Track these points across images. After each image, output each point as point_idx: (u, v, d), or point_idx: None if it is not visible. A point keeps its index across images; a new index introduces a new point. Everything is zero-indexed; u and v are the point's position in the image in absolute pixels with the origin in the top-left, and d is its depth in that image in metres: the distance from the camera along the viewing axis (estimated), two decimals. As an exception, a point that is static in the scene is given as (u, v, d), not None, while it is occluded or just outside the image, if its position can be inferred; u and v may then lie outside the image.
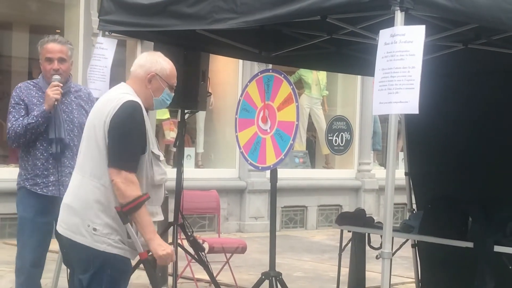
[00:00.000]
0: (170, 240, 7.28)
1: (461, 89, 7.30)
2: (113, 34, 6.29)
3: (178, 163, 7.43)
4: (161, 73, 4.38)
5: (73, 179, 4.37)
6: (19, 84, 5.66)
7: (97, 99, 5.01)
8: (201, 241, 7.55)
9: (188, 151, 11.98)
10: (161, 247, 4.16)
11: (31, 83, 5.64)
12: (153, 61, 4.39)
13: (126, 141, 4.17)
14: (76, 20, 11.09)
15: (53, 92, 5.40)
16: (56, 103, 5.40)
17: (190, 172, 10.95)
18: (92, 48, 6.68)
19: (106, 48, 6.25)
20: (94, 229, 4.17)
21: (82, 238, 4.19)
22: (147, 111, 4.35)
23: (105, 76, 6.20)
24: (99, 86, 6.04)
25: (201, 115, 12.34)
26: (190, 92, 7.07)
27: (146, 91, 4.37)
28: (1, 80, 12.89)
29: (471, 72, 7.18)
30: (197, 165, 12.66)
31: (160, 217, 4.39)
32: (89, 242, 4.18)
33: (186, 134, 9.07)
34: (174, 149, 8.52)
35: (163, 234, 6.89)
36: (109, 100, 4.30)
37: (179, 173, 7.27)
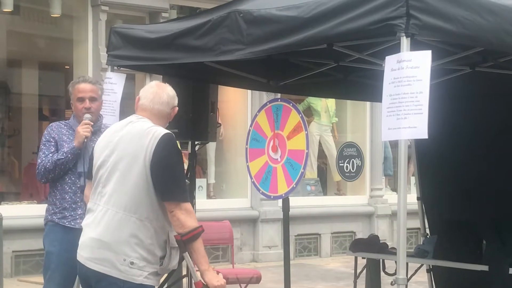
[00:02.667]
0: (184, 272, 7.27)
1: (470, 112, 7.31)
2: (121, 68, 6.34)
3: (190, 194, 7.43)
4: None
5: (101, 213, 4.38)
6: (51, 124, 5.85)
7: None
8: (215, 272, 7.53)
9: (200, 182, 11.99)
10: (215, 278, 4.37)
11: (63, 123, 5.82)
12: (174, 95, 4.59)
13: (178, 173, 4.37)
14: (84, 55, 11.16)
15: (83, 130, 5.55)
16: (85, 140, 5.53)
17: (202, 203, 10.97)
18: (101, 83, 6.71)
19: (115, 83, 6.30)
20: (132, 263, 4.27)
21: (118, 273, 4.27)
22: None
23: (115, 110, 6.26)
24: (109, 121, 6.07)
25: (211, 146, 12.35)
26: (200, 124, 7.10)
27: (166, 123, 4.58)
28: (11, 117, 12.96)
29: (480, 95, 7.19)
30: (209, 196, 12.65)
31: None
32: (125, 276, 4.26)
33: (197, 165, 9.09)
34: (186, 181, 8.54)
35: (177, 267, 6.88)
36: (141, 133, 4.38)
37: (191, 205, 7.27)
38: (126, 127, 4.49)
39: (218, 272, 7.70)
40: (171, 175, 4.32)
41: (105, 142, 4.52)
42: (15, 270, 10.32)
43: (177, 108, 4.61)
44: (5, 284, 9.09)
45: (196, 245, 4.33)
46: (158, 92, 4.56)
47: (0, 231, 8.94)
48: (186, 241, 4.31)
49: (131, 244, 4.28)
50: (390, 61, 4.37)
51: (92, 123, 5.61)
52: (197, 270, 4.47)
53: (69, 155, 5.55)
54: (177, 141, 4.56)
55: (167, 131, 4.42)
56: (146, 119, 4.48)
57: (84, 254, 4.40)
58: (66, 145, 5.61)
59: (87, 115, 5.63)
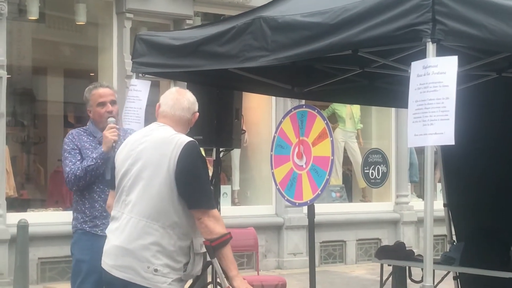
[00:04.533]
0: (209, 279, 7.25)
1: (496, 118, 7.25)
2: (146, 75, 6.34)
3: (214, 201, 7.41)
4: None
5: (125, 221, 4.40)
6: (71, 131, 5.80)
7: None
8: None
9: (224, 188, 11.98)
10: (244, 285, 4.38)
11: (82, 129, 5.78)
12: (193, 101, 4.59)
13: (203, 181, 4.38)
14: (109, 63, 11.21)
15: (111, 134, 5.52)
16: (114, 144, 5.48)
17: (227, 210, 10.96)
18: (126, 90, 6.72)
19: (140, 90, 6.31)
20: (156, 270, 4.29)
21: (142, 280, 4.29)
22: None
23: (140, 117, 6.26)
24: (135, 128, 6.07)
25: (236, 153, 12.36)
26: (224, 130, 7.10)
27: (187, 129, 4.56)
28: (37, 124, 13.03)
29: (506, 100, 7.13)
30: (233, 203, 12.65)
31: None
32: (149, 283, 4.29)
33: (221, 172, 9.07)
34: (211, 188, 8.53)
35: (202, 273, 6.87)
36: (164, 141, 4.37)
37: (216, 212, 7.26)
38: (148, 135, 4.49)
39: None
40: (197, 183, 4.33)
41: (127, 151, 4.52)
42: (41, 277, 10.36)
43: (197, 113, 4.61)
44: (31, 291, 9.14)
45: (225, 251, 4.35)
46: (179, 98, 4.55)
47: (26, 238, 8.99)
48: (215, 247, 4.32)
49: (154, 251, 4.30)
50: (416, 67, 4.34)
51: (118, 127, 5.60)
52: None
53: (99, 161, 5.51)
54: (201, 148, 4.54)
55: (190, 138, 4.41)
56: (167, 127, 4.48)
57: (109, 262, 4.42)
58: (90, 153, 5.56)
59: (111, 119, 5.61)
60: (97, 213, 5.56)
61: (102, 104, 5.67)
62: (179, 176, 4.30)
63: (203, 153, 11.88)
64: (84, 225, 5.59)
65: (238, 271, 4.41)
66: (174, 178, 4.30)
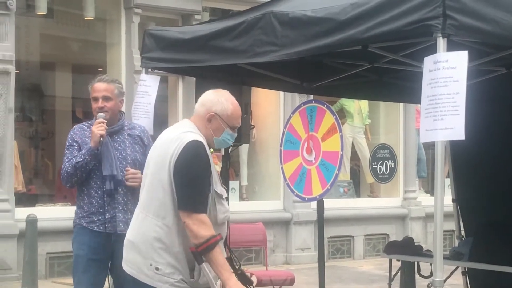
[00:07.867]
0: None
1: (505, 113, 7.24)
2: (155, 71, 6.34)
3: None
4: (221, 114, 4.37)
5: (136, 215, 4.41)
6: (74, 127, 5.79)
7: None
8: (249, 274, 7.51)
9: (233, 184, 11.99)
10: (237, 287, 4.20)
11: (86, 124, 5.75)
12: (214, 100, 4.38)
13: (194, 184, 4.18)
14: (118, 58, 11.22)
15: (97, 129, 5.47)
16: (101, 139, 5.46)
17: (235, 205, 10.95)
18: (135, 86, 6.74)
19: (149, 85, 6.30)
20: (157, 269, 4.21)
21: (145, 277, 4.24)
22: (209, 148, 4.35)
23: (149, 113, 6.26)
24: (144, 123, 6.08)
25: (244, 148, 12.35)
26: (233, 126, 7.09)
27: (206, 130, 4.37)
28: (45, 119, 13.05)
29: (515, 96, 7.12)
30: (241, 198, 12.65)
31: (224, 255, 4.34)
32: (151, 281, 4.22)
33: (230, 167, 9.08)
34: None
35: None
36: (172, 139, 4.29)
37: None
38: (167, 132, 4.43)
39: (251, 274, 7.72)
40: (187, 184, 4.18)
41: (152, 147, 4.51)
42: (50, 271, 10.38)
43: (212, 114, 4.34)
44: (40, 286, 9.16)
45: (213, 256, 4.16)
46: (207, 93, 4.43)
47: (35, 233, 9.01)
48: (201, 252, 4.15)
49: (156, 248, 4.23)
50: (427, 62, 4.33)
51: (105, 121, 5.52)
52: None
53: (87, 157, 5.48)
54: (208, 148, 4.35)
55: (195, 138, 4.25)
56: (190, 123, 4.38)
57: (124, 259, 4.42)
58: (85, 147, 5.55)
59: (100, 114, 5.56)
60: (93, 209, 5.54)
61: (95, 99, 5.64)
62: (175, 175, 4.20)
63: (211, 150, 11.90)
64: (81, 220, 5.59)
65: (231, 273, 4.23)
66: (173, 177, 4.22)
